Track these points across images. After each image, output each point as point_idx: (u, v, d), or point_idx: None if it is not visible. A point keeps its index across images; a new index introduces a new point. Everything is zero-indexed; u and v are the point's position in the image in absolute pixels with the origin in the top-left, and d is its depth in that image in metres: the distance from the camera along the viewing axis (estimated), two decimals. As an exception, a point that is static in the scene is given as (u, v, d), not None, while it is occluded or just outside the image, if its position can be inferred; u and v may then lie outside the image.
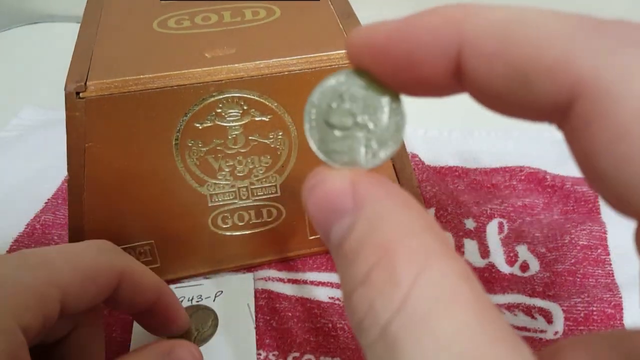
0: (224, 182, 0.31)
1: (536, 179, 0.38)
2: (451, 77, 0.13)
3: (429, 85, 0.14)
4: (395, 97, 0.15)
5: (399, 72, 0.14)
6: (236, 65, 0.28)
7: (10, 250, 0.35)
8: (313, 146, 0.15)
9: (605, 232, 0.34)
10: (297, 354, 0.30)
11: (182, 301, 0.32)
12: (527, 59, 0.12)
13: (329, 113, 0.15)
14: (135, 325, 0.31)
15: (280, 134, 0.30)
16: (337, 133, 0.15)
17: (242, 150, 0.30)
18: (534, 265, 0.33)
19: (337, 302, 0.32)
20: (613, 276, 0.32)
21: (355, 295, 0.12)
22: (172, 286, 0.28)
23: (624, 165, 0.11)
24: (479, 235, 0.35)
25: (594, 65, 0.11)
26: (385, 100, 0.15)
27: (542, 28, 0.12)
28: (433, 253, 0.12)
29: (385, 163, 0.32)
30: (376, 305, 0.12)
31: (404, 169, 0.32)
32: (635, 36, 0.11)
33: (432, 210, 0.37)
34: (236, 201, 0.32)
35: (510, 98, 0.12)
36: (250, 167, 0.30)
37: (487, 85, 0.12)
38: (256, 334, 0.31)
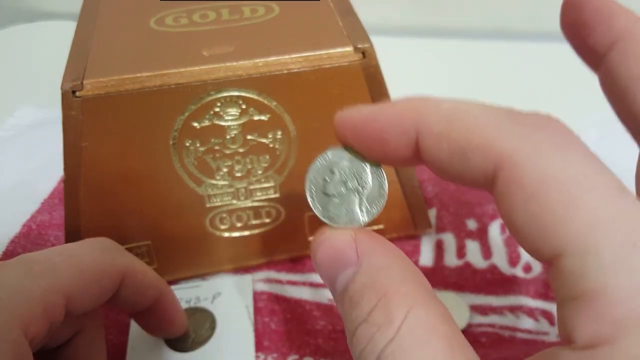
0: (222, 183, 0.30)
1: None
2: (412, 152, 0.17)
3: (396, 157, 0.17)
4: (374, 163, 0.19)
5: (373, 146, 0.18)
6: (234, 63, 0.27)
7: (7, 250, 0.35)
8: (319, 215, 0.19)
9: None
10: (296, 357, 0.30)
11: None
12: (464, 139, 0.15)
13: (325, 185, 0.19)
14: (132, 328, 0.30)
15: (279, 133, 0.29)
16: (335, 200, 0.18)
17: (241, 150, 0.29)
18: (537, 267, 0.33)
19: (337, 303, 0.32)
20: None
21: (359, 330, 0.16)
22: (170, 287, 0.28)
23: (532, 220, 0.14)
24: (481, 236, 0.35)
25: (510, 145, 0.15)
26: (367, 166, 0.19)
27: (475, 118, 0.15)
28: (419, 297, 0.16)
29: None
30: (375, 338, 0.15)
31: (404, 169, 0.32)
32: (542, 124, 0.15)
33: (434, 211, 0.36)
34: (234, 202, 0.31)
35: (454, 169, 0.16)
36: (249, 167, 0.30)
37: (437, 158, 0.16)
38: (255, 336, 0.30)
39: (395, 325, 0.15)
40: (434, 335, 0.15)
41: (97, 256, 0.23)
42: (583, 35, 0.19)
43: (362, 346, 0.16)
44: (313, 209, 0.19)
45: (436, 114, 0.16)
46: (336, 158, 0.19)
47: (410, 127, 0.16)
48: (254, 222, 0.32)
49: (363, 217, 0.18)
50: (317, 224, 0.19)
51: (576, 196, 0.14)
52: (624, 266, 0.13)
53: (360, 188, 0.18)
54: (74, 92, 0.26)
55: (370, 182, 0.18)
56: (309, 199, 0.19)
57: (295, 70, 0.28)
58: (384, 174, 0.19)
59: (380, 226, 0.34)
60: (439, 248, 0.35)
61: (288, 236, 0.33)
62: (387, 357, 0.15)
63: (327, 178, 0.19)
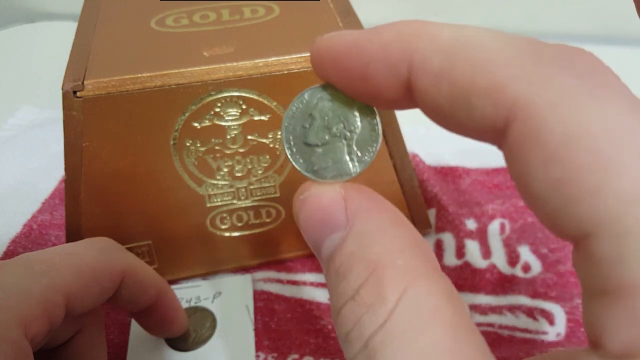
0: (223, 182, 0.30)
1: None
2: (403, 92, 0.14)
3: (384, 98, 0.14)
4: (362, 103, 0.15)
5: (355, 84, 0.14)
6: (235, 64, 0.28)
7: (7, 251, 0.35)
8: (300, 169, 0.16)
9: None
10: (296, 356, 0.30)
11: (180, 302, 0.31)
12: (468, 80, 0.12)
13: (305, 134, 0.16)
14: (133, 327, 0.30)
15: (280, 133, 0.29)
16: (318, 150, 0.15)
17: (241, 150, 0.30)
18: (536, 266, 0.33)
19: (336, 303, 0.32)
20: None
21: (345, 309, 0.13)
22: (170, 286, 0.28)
23: (553, 188, 0.11)
24: (481, 236, 0.35)
25: (528, 90, 0.11)
26: (354, 107, 0.15)
27: (484, 51, 0.12)
28: (418, 272, 0.13)
29: (386, 164, 0.31)
30: (363, 320, 0.12)
31: (404, 169, 0.32)
32: (571, 61, 0.12)
33: (433, 211, 0.36)
34: (235, 201, 0.31)
35: (455, 117, 0.13)
36: (249, 167, 0.30)
37: (433, 103, 0.13)
38: (255, 336, 0.30)
39: (387, 307, 0.12)
40: (435, 320, 0.12)
41: (97, 255, 0.23)
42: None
43: (348, 329, 0.13)
44: (293, 162, 0.16)
45: (434, 46, 0.13)
46: (315, 99, 0.15)
47: (401, 61, 0.13)
48: (254, 221, 0.32)
49: (354, 167, 0.15)
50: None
51: (614, 158, 0.10)
52: None
53: (348, 132, 0.15)
54: (75, 92, 0.26)
55: (359, 124, 0.15)
56: (288, 152, 0.16)
57: (296, 71, 0.28)
58: (376, 112, 0.15)
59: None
60: (439, 248, 0.35)
61: (288, 236, 0.33)
62: (376, 346, 0.12)
63: (306, 125, 0.16)
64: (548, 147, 0.11)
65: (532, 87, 0.11)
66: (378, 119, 0.15)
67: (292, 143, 0.16)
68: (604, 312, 0.11)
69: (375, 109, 0.15)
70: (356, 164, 0.15)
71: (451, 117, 0.13)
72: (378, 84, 0.14)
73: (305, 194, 0.15)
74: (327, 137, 0.15)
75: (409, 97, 0.14)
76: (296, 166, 0.16)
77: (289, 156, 0.16)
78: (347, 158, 0.15)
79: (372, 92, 0.14)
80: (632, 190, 0.10)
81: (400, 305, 0.12)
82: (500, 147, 0.13)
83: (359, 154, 0.15)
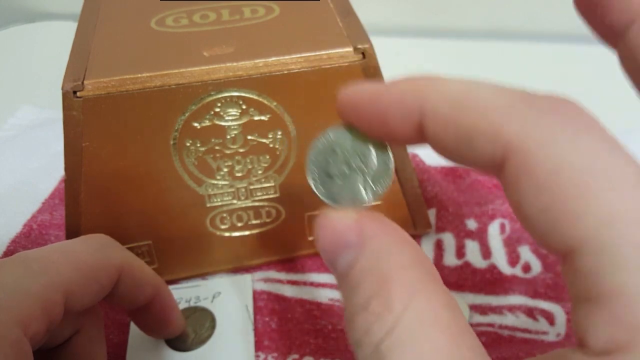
0: (223, 183, 0.30)
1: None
2: (416, 133, 0.16)
3: (398, 138, 0.17)
4: (379, 141, 0.18)
5: (375, 126, 0.17)
6: (235, 64, 0.28)
7: (7, 250, 0.35)
8: (321, 196, 0.18)
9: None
10: (296, 356, 0.30)
11: (179, 302, 0.31)
12: (471, 123, 0.14)
13: (328, 166, 0.18)
14: (132, 327, 0.30)
15: (280, 133, 0.29)
16: (338, 181, 0.18)
17: (241, 150, 0.30)
18: (536, 266, 0.33)
19: (336, 303, 0.32)
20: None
21: (357, 317, 0.15)
22: (169, 287, 0.28)
23: (543, 212, 0.13)
24: (481, 236, 0.35)
25: (520, 132, 0.14)
26: (371, 145, 0.18)
27: (484, 101, 0.15)
28: (422, 285, 0.15)
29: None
30: (373, 328, 0.14)
31: (404, 169, 0.32)
32: (557, 108, 0.14)
33: (434, 211, 0.36)
34: (235, 201, 0.31)
35: (460, 154, 0.15)
36: (249, 167, 0.30)
37: (442, 143, 0.15)
38: (255, 336, 0.30)
39: (394, 316, 0.14)
40: (437, 327, 0.14)
41: (94, 252, 0.23)
42: (599, 14, 0.18)
43: (360, 335, 0.15)
44: (315, 190, 0.18)
45: (442, 96, 0.15)
46: (338, 138, 0.18)
47: (414, 109, 0.16)
48: (254, 221, 0.32)
49: (368, 197, 0.18)
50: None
51: (592, 187, 0.13)
52: None
53: (364, 167, 0.18)
54: (74, 92, 0.27)
55: (375, 161, 0.18)
56: (311, 181, 0.18)
57: (295, 71, 0.28)
58: (390, 152, 0.18)
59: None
60: (439, 248, 0.35)
61: (288, 236, 0.33)
62: (384, 350, 0.14)
63: (329, 159, 0.18)
64: (538, 178, 0.13)
65: (524, 128, 0.14)
66: (391, 157, 0.18)
67: (315, 173, 0.18)
68: (587, 316, 0.13)
69: (389, 148, 0.18)
70: (370, 194, 0.18)
71: (456, 153, 0.15)
72: (394, 126, 0.16)
73: (323, 219, 0.17)
74: (346, 170, 0.18)
75: (420, 137, 0.16)
76: (317, 193, 0.18)
77: (312, 184, 0.18)
78: (363, 189, 0.18)
79: (389, 133, 0.17)
80: (605, 214, 0.12)
81: (406, 314, 0.14)
82: (498, 178, 0.15)
83: (373, 187, 0.18)
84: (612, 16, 0.17)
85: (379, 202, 0.30)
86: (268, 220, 0.33)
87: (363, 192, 0.18)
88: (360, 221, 0.16)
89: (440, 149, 0.16)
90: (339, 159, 0.18)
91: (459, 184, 0.38)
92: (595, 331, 0.12)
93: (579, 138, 0.13)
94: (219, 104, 0.28)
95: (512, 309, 0.31)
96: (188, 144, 0.29)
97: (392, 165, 0.18)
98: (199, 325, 0.31)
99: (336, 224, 0.17)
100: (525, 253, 0.34)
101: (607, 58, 0.15)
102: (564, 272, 0.14)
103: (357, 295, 0.15)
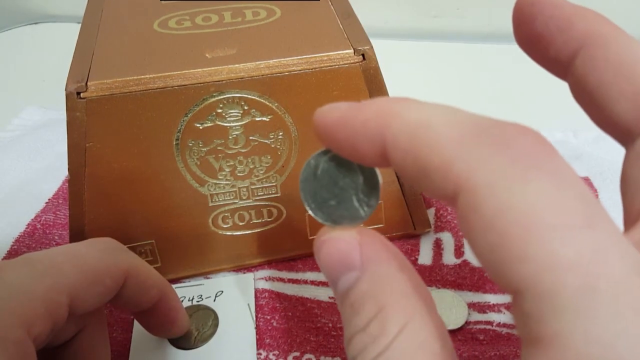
0: (225, 182, 0.31)
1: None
2: (383, 159, 0.16)
3: (370, 162, 0.17)
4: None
5: (346, 150, 0.17)
6: (237, 65, 0.28)
7: (11, 250, 0.35)
8: (321, 221, 0.18)
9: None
10: (297, 354, 0.30)
11: (182, 301, 0.31)
12: (425, 157, 0.14)
13: (319, 191, 0.18)
14: (136, 325, 0.31)
15: (281, 134, 0.30)
16: (332, 203, 0.18)
17: (243, 151, 0.30)
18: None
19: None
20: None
21: (355, 337, 0.16)
22: (172, 286, 0.28)
23: (490, 251, 0.13)
24: (479, 236, 0.35)
25: (469, 170, 0.13)
26: (353, 162, 0.17)
27: (438, 133, 0.14)
28: (416, 311, 0.16)
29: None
30: (368, 348, 0.15)
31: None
32: (510, 143, 0.14)
33: (432, 210, 0.37)
34: (237, 201, 0.32)
35: (420, 184, 0.15)
36: (251, 167, 0.31)
37: (404, 172, 0.15)
38: (256, 334, 0.31)
39: (388, 338, 0.15)
40: (426, 353, 0.15)
41: (100, 256, 0.23)
42: (542, 47, 0.18)
43: (356, 353, 0.16)
44: (314, 216, 0.18)
45: (401, 126, 0.15)
46: (319, 162, 0.18)
47: (377, 136, 0.16)
48: (255, 221, 0.33)
49: (364, 212, 0.18)
50: (318, 224, 0.18)
51: (535, 231, 0.12)
52: (580, 312, 0.12)
53: (352, 184, 0.18)
54: (78, 93, 0.27)
55: (361, 175, 0.18)
56: (308, 209, 0.18)
57: (297, 72, 0.28)
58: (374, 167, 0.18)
59: (380, 225, 0.34)
60: (438, 247, 0.35)
61: (289, 235, 0.34)
62: None
63: (316, 184, 0.18)
64: (485, 217, 0.13)
65: (472, 167, 0.14)
66: (376, 170, 0.18)
67: (309, 201, 0.18)
68: (531, 358, 0.13)
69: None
70: (365, 208, 0.18)
71: (417, 183, 0.15)
72: (362, 151, 0.16)
73: (325, 237, 0.18)
74: (336, 191, 0.18)
75: (388, 162, 0.16)
76: (317, 219, 0.18)
77: (310, 212, 0.18)
78: (357, 205, 0.18)
79: (360, 157, 0.17)
80: (545, 258, 0.12)
81: (400, 338, 0.15)
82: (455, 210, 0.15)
83: (366, 200, 0.18)
84: (556, 49, 0.17)
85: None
86: (269, 219, 0.33)
87: (358, 208, 0.18)
88: (362, 242, 0.17)
89: (404, 177, 0.16)
90: (326, 181, 0.18)
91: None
92: None
93: (528, 177, 0.13)
94: (221, 105, 0.28)
95: (510, 307, 0.31)
96: (190, 145, 0.29)
97: (379, 175, 0.18)
98: (202, 323, 0.31)
99: (340, 244, 0.17)
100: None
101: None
102: (513, 312, 0.14)
103: (357, 317, 0.16)
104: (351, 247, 0.17)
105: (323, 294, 0.33)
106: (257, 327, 0.31)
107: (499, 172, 0.13)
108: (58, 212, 0.38)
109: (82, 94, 0.27)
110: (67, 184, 0.39)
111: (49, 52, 0.56)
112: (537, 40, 0.18)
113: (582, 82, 0.17)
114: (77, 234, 0.30)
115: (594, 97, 0.17)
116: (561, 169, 0.13)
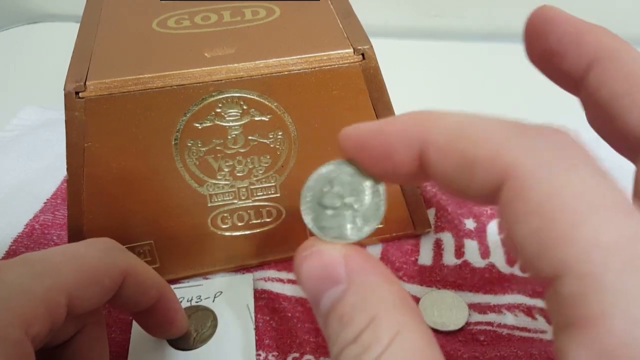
0: (224, 182, 0.31)
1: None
2: (417, 166, 0.17)
3: (401, 172, 0.17)
4: (375, 183, 0.18)
5: (377, 160, 0.17)
6: (236, 65, 0.28)
7: (9, 250, 0.35)
8: (309, 222, 0.18)
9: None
10: (296, 355, 0.30)
11: (181, 301, 0.31)
12: (470, 151, 0.15)
13: (322, 196, 0.18)
14: (134, 326, 0.31)
15: (280, 133, 0.30)
16: (328, 212, 0.18)
17: (242, 150, 0.30)
18: (535, 266, 0.33)
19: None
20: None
21: (346, 350, 0.16)
22: (171, 286, 0.28)
23: (532, 235, 0.14)
24: (480, 235, 0.35)
25: (517, 157, 0.14)
26: (367, 185, 0.18)
27: (483, 129, 0.15)
28: (405, 321, 0.16)
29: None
30: (362, 357, 0.15)
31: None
32: (549, 138, 0.15)
33: (433, 210, 0.37)
34: (236, 201, 0.32)
35: (459, 182, 0.16)
36: (250, 167, 0.30)
37: (443, 172, 0.16)
38: (256, 335, 0.31)
39: (382, 346, 0.15)
40: (417, 359, 0.15)
41: (99, 256, 0.23)
42: (555, 62, 0.18)
43: None
44: (304, 216, 0.18)
45: (442, 126, 0.16)
46: (338, 171, 0.18)
47: (415, 139, 0.16)
48: (255, 221, 0.33)
49: (352, 235, 0.18)
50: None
51: (581, 214, 0.13)
52: (624, 293, 0.12)
53: (356, 205, 0.18)
54: (77, 93, 0.27)
55: (367, 201, 0.18)
56: (302, 206, 0.18)
57: (296, 72, 0.28)
58: (384, 195, 0.18)
59: (380, 225, 0.34)
60: (438, 247, 0.35)
61: (288, 235, 0.34)
62: None
63: (324, 189, 0.18)
64: (531, 202, 0.14)
65: (521, 155, 0.14)
66: (384, 201, 0.18)
67: (308, 199, 0.18)
68: (569, 341, 0.13)
69: (383, 191, 0.18)
70: (355, 232, 0.18)
71: (456, 182, 0.16)
72: (397, 159, 0.17)
73: (308, 251, 0.18)
74: (338, 204, 0.18)
75: (421, 170, 0.17)
76: (304, 218, 0.18)
77: (302, 209, 0.18)
78: (349, 226, 0.18)
79: (391, 167, 0.17)
80: (590, 239, 0.13)
81: (393, 345, 0.15)
82: (495, 203, 0.15)
83: (360, 225, 0.18)
84: (568, 64, 0.18)
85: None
86: (269, 219, 0.33)
87: (349, 230, 0.18)
88: (347, 256, 0.17)
89: (441, 179, 0.16)
90: (334, 191, 0.18)
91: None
92: (576, 356, 0.13)
93: (571, 166, 0.14)
94: (220, 105, 0.28)
95: (510, 307, 0.31)
96: (189, 144, 0.29)
97: (383, 208, 0.18)
98: (201, 324, 0.31)
99: (322, 257, 0.17)
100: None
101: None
102: (548, 298, 0.14)
103: (347, 330, 0.16)
104: (335, 261, 0.17)
105: (322, 295, 0.33)
106: (257, 328, 0.31)
107: (547, 160, 0.14)
108: (57, 212, 0.38)
109: (80, 94, 0.27)
110: (65, 184, 0.39)
111: (47, 52, 0.56)
112: (550, 55, 0.18)
113: (594, 96, 0.18)
114: (75, 234, 0.30)
115: (605, 110, 0.18)
116: (596, 163, 0.14)
